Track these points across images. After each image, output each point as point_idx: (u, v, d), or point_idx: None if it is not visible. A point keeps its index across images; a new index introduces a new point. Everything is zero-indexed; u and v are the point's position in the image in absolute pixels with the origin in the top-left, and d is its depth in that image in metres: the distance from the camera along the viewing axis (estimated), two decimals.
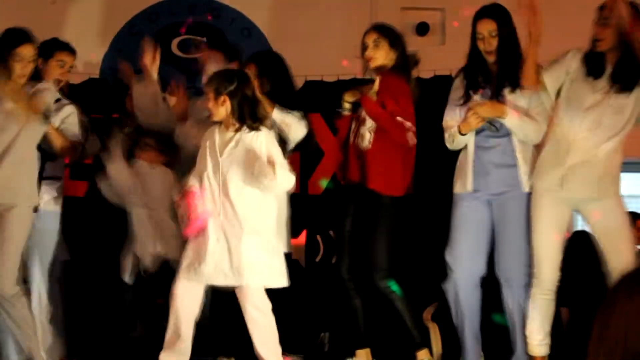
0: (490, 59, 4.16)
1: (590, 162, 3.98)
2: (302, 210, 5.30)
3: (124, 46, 6.05)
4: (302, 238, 5.51)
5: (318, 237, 5.52)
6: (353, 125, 4.41)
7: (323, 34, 6.02)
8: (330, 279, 5.05)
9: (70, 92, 4.69)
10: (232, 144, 4.00)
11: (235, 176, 3.96)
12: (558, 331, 4.80)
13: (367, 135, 4.32)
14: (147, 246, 4.61)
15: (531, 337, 4.11)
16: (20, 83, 4.07)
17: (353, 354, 4.46)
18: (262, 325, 3.99)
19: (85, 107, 4.66)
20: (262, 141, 3.97)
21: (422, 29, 6.08)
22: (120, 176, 4.62)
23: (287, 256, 4.87)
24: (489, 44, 4.14)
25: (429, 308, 4.66)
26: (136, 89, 4.72)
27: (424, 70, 4.72)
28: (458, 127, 4.19)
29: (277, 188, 4.01)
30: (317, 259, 5.51)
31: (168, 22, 6.12)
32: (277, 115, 4.43)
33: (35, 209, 4.24)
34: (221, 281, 3.94)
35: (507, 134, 4.16)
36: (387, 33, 4.44)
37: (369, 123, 4.33)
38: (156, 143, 4.68)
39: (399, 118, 4.21)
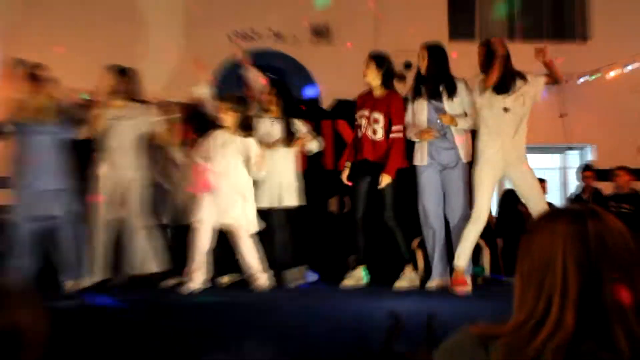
0: (423, 74, 4.78)
1: (511, 141, 4.53)
2: (334, 181, 6.00)
3: (222, 79, 7.22)
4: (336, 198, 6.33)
5: (345, 198, 6.17)
6: (365, 123, 4.85)
7: (344, 69, 6.80)
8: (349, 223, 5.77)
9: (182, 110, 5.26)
10: (229, 140, 4.65)
11: (230, 159, 4.65)
12: (495, 254, 5.89)
13: (379, 132, 4.85)
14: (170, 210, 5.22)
15: (460, 257, 4.59)
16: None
17: (354, 268, 5.03)
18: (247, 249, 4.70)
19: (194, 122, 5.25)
20: (252, 144, 4.79)
21: (408, 65, 7.02)
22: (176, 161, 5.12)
23: (325, 208, 6.06)
24: (421, 64, 4.79)
25: (416, 239, 5.17)
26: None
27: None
28: (419, 134, 4.75)
29: (260, 174, 4.83)
30: (345, 211, 6.22)
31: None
32: (302, 127, 5.18)
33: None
34: (226, 221, 4.69)
35: (448, 127, 4.71)
36: (374, 56, 4.88)
37: (380, 124, 4.78)
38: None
39: (394, 127, 4.76)
